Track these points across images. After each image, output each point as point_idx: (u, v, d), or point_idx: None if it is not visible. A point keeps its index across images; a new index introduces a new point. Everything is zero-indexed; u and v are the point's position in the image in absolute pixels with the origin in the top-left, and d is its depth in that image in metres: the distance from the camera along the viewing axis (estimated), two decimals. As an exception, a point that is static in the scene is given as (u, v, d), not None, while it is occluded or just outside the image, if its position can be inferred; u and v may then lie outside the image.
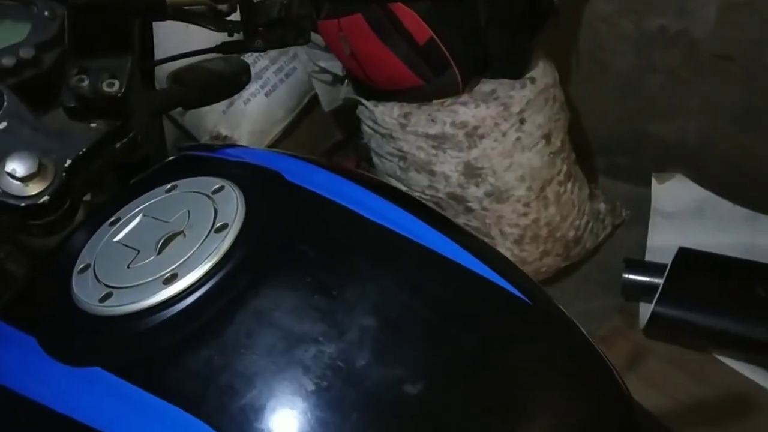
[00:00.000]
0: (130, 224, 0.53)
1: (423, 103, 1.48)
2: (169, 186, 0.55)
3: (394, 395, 0.40)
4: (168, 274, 0.47)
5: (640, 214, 1.69)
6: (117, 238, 0.52)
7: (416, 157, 1.50)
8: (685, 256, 1.44)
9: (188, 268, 0.47)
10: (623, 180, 1.76)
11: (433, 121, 1.46)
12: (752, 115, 1.47)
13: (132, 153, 0.69)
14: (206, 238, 0.48)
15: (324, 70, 1.76)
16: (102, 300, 0.47)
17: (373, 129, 1.56)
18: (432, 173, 1.49)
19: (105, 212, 0.57)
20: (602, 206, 1.66)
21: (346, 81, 1.71)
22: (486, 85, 1.46)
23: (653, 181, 1.62)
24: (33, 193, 0.58)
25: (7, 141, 0.61)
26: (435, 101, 1.47)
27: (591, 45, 1.60)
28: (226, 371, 0.41)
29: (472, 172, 1.47)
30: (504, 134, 1.45)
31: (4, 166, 0.59)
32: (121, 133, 0.65)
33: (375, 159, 1.62)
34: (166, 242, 0.50)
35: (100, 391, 0.44)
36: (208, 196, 0.52)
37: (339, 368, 0.41)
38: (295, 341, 0.42)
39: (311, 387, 0.40)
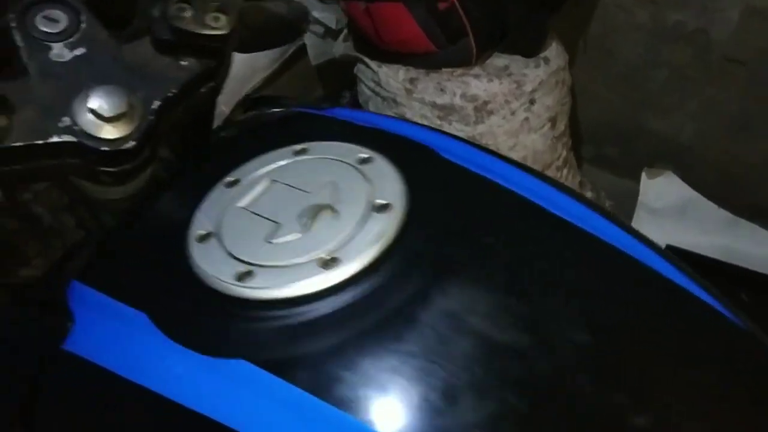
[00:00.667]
0: (255, 189, 0.45)
1: (431, 70, 1.41)
2: (298, 148, 0.47)
3: (619, 427, 0.35)
4: (326, 257, 0.40)
5: (623, 207, 1.69)
6: (243, 204, 0.45)
7: (419, 126, 1.44)
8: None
9: (351, 252, 0.40)
10: (609, 171, 1.76)
11: (442, 90, 1.40)
12: (750, 122, 1.48)
13: (211, 100, 0.61)
14: (366, 217, 0.42)
15: (317, 21, 1.67)
16: (240, 279, 0.40)
17: (373, 91, 1.48)
18: (433, 144, 1.44)
19: (209, 171, 0.49)
20: (589, 195, 1.65)
21: (342, 35, 1.62)
22: (499, 60, 1.41)
23: (643, 175, 1.62)
24: (117, 136, 0.50)
25: (86, 71, 0.52)
26: (444, 70, 1.40)
27: (601, 31, 1.57)
28: (419, 383, 0.35)
29: (475, 147, 1.42)
30: (513, 113, 1.40)
31: (86, 101, 0.50)
32: (211, 76, 0.57)
33: (369, 122, 1.55)
34: (313, 215, 0.42)
35: (247, 388, 0.37)
36: (354, 167, 0.45)
37: (554, 390, 0.35)
38: (499, 354, 0.36)
39: (524, 410, 0.35)
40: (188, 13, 0.52)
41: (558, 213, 0.42)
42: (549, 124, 1.45)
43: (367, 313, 0.38)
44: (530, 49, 1.41)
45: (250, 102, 0.67)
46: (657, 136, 1.63)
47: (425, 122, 1.43)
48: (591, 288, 0.39)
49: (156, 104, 0.52)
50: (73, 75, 0.51)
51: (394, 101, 1.45)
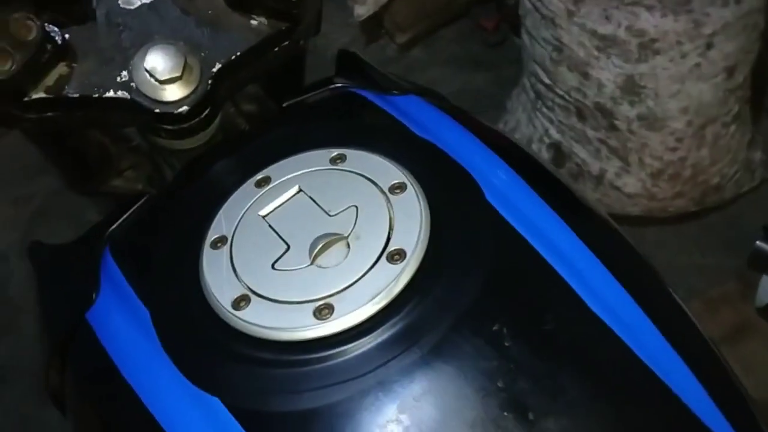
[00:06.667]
0: (281, 196, 0.42)
1: (601, -9, 1.26)
2: (335, 154, 0.43)
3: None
4: (321, 304, 0.37)
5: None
6: (263, 212, 0.42)
7: (574, 53, 1.31)
8: (836, 243, 1.27)
9: (348, 303, 0.37)
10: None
11: (607, 18, 1.25)
12: None
13: (288, 62, 0.57)
14: (375, 264, 0.38)
15: None
16: (236, 305, 0.38)
17: (533, 5, 1.36)
18: (586, 76, 1.31)
19: (251, 158, 0.46)
20: (758, 155, 1.46)
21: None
22: (682, -8, 1.23)
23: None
24: (170, 99, 0.48)
25: (152, 22, 0.50)
26: (615, -6, 1.25)
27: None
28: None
29: (631, 88, 1.28)
30: (683, 56, 1.24)
31: (143, 60, 0.48)
32: (284, 38, 0.53)
33: (525, 37, 1.44)
34: (324, 247, 0.39)
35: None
36: (384, 194, 0.41)
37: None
38: None
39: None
40: None
41: (598, 312, 0.36)
42: (724, 74, 1.27)
43: (351, 379, 0.35)
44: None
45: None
46: None
47: (582, 51, 1.30)
48: (598, 417, 0.34)
49: (216, 67, 0.50)
50: (139, 25, 0.50)
51: (553, 22, 1.32)
